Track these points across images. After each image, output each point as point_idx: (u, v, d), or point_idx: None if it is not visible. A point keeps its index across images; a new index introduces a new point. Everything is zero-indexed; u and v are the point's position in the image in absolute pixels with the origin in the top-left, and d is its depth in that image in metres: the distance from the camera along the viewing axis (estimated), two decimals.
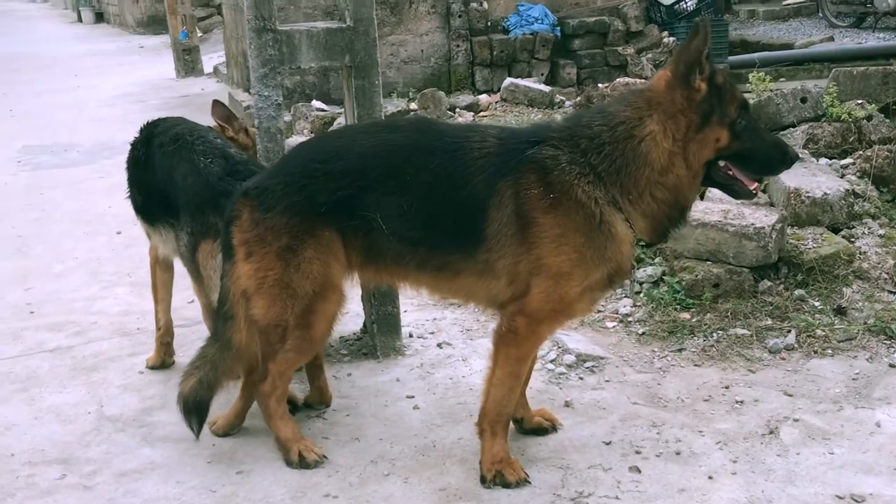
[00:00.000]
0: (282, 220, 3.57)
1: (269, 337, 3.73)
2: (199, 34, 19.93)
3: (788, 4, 18.08)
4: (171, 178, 4.25)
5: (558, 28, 12.37)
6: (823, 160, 5.94)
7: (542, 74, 12.12)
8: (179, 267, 4.55)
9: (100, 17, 32.72)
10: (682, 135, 3.36)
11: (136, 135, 4.64)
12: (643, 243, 4.19)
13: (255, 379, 3.91)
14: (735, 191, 3.56)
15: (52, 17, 37.68)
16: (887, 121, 6.15)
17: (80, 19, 33.85)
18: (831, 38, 14.25)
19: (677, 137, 3.36)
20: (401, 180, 3.51)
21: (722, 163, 3.45)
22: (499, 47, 12.07)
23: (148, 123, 4.64)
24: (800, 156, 3.64)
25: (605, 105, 3.65)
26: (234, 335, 3.80)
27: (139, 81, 16.38)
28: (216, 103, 4.84)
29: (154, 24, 25.72)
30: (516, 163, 3.43)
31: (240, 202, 3.67)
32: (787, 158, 3.52)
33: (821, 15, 16.64)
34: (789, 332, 4.70)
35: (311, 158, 3.66)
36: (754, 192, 3.55)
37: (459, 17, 12.08)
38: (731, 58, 12.65)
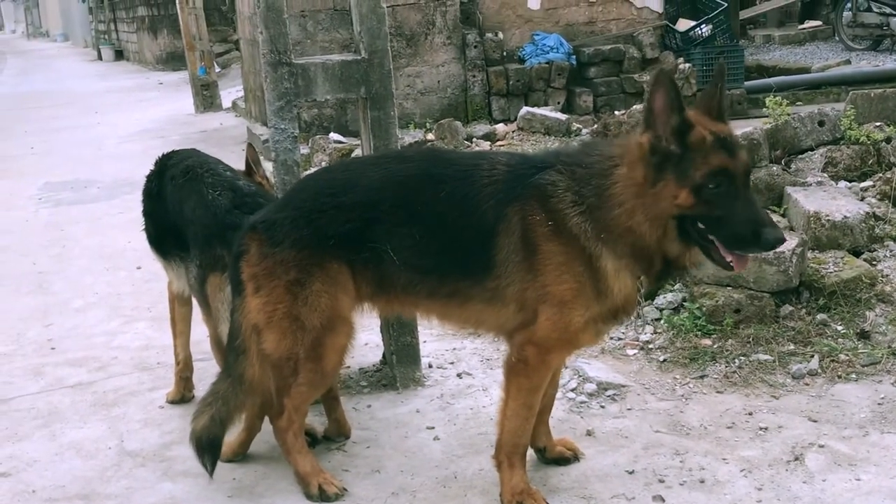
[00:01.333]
0: (290, 254, 3.57)
1: (281, 371, 3.73)
2: (218, 69, 20.10)
3: (804, 28, 18.08)
4: (181, 211, 4.27)
5: (574, 56, 12.39)
6: (843, 183, 5.91)
7: (559, 103, 12.13)
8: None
9: (119, 55, 33.04)
10: (640, 184, 3.23)
11: (152, 167, 4.67)
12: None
13: (271, 414, 3.90)
14: (711, 256, 3.31)
15: (73, 56, 38.08)
16: None
17: (100, 57, 34.18)
18: (848, 62, 14.24)
19: (637, 185, 3.24)
20: (411, 210, 3.51)
21: (701, 225, 3.24)
22: (514, 77, 12.09)
23: (162, 156, 4.68)
24: (783, 239, 3.24)
25: (611, 139, 3.61)
26: (246, 370, 3.79)
27: (158, 117, 16.50)
28: (249, 146, 4.86)
29: (173, 60, 25.95)
30: (522, 188, 3.41)
31: (248, 236, 3.67)
32: (759, 240, 3.17)
33: (837, 38, 16.61)
34: (812, 356, 4.65)
35: (320, 191, 3.66)
36: (730, 264, 3.25)
37: (475, 47, 12.13)
38: (747, 83, 12.64)
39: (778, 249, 4.72)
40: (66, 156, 13.17)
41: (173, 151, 4.72)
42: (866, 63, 14.07)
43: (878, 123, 6.21)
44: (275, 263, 3.60)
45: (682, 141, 3.16)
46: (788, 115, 6.21)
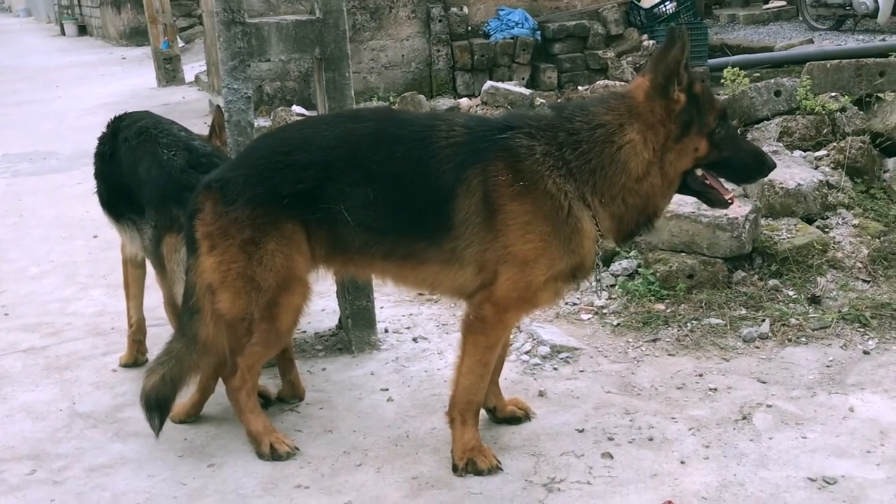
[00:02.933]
0: (244, 213, 3.55)
1: (235, 331, 3.72)
2: (181, 44, 19.92)
3: (769, 8, 18.18)
4: (136, 172, 4.23)
5: (539, 32, 12.41)
6: (798, 152, 5.96)
7: (523, 78, 12.14)
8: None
9: (83, 30, 32.62)
10: (661, 145, 3.36)
11: (104, 129, 4.63)
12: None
13: (224, 374, 3.89)
14: (710, 199, 3.57)
15: (36, 31, 37.57)
16: (861, 113, 6.17)
17: (63, 32, 33.75)
18: (811, 41, 14.34)
19: (656, 148, 3.36)
20: (366, 170, 3.50)
21: (699, 172, 3.47)
22: (479, 52, 12.08)
23: (115, 118, 4.63)
24: (776, 163, 3.67)
25: (587, 103, 3.63)
26: (200, 329, 3.77)
27: (120, 91, 16.32)
28: (218, 109, 4.80)
29: (137, 35, 25.64)
30: (485, 150, 3.41)
31: (202, 195, 3.65)
32: (764, 167, 3.57)
33: (801, 18, 16.74)
34: (763, 321, 4.70)
35: (274, 150, 3.64)
36: (729, 200, 3.57)
37: (440, 21, 12.11)
38: (710, 61, 12.69)
39: (731, 215, 4.83)
40: (25, 129, 13.01)
41: (126, 113, 4.67)
42: (829, 42, 14.17)
43: (833, 94, 6.27)
44: (229, 222, 3.58)
45: (692, 93, 3.34)
46: (746, 85, 6.25)
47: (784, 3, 18.16)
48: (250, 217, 3.54)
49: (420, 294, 5.37)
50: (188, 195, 3.79)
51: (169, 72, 16.80)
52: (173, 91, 16.01)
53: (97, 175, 4.65)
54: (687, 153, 3.39)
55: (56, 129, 12.87)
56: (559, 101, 10.07)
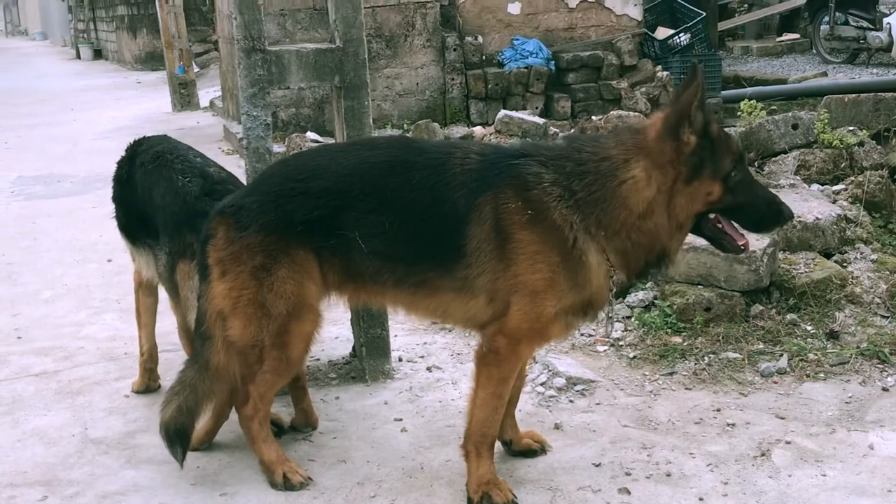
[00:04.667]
0: (257, 239, 3.53)
1: (246, 358, 3.69)
2: (196, 69, 20.03)
3: (782, 41, 18.22)
4: (151, 197, 4.24)
5: (553, 62, 12.42)
6: (815, 186, 5.93)
7: (537, 108, 12.15)
8: (164, 292, 4.51)
9: (98, 54, 32.86)
10: (669, 186, 3.29)
11: (122, 153, 4.64)
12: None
13: (236, 402, 3.86)
14: (723, 245, 3.47)
15: (52, 55, 37.85)
16: (879, 147, 6.15)
17: (78, 56, 33.99)
18: (825, 74, 14.34)
19: (662, 188, 3.29)
20: (380, 198, 3.48)
21: (712, 215, 3.40)
22: (493, 80, 12.11)
23: (133, 142, 4.64)
24: (793, 214, 3.57)
25: (600, 136, 3.62)
26: (212, 356, 3.75)
27: (135, 115, 16.40)
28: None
29: (152, 60, 25.82)
30: (496, 176, 3.40)
31: (215, 220, 3.64)
32: (780, 217, 3.44)
33: (814, 51, 16.76)
34: (781, 356, 4.66)
35: (288, 177, 3.63)
36: (743, 247, 3.47)
37: (454, 50, 12.14)
38: (724, 92, 12.71)
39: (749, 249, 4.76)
40: (40, 151, 13.07)
41: (144, 138, 4.68)
42: (843, 76, 14.18)
43: (851, 128, 6.25)
44: (241, 248, 3.57)
45: (708, 135, 3.26)
46: (763, 119, 6.24)
47: (798, 35, 18.20)
48: (262, 243, 3.53)
49: (434, 323, 5.34)
50: (202, 222, 3.77)
51: (184, 96, 16.88)
52: (188, 116, 16.08)
53: (115, 199, 4.65)
54: (698, 197, 3.31)
55: (70, 152, 12.92)
56: (572, 130, 10.08)
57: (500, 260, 3.37)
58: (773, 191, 5.56)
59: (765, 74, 15.09)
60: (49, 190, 10.38)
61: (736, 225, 3.44)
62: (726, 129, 3.47)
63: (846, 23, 15.74)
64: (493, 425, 3.61)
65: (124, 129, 14.82)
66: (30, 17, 54.37)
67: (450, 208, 3.41)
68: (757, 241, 4.96)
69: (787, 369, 4.57)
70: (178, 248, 4.04)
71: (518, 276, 3.36)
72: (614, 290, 3.46)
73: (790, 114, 6.32)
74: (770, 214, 3.41)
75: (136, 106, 18.00)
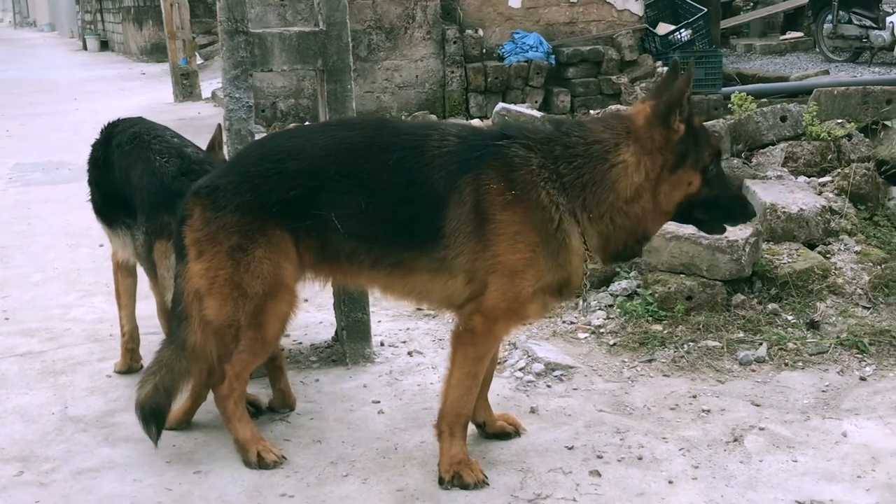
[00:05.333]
0: (232, 219, 3.55)
1: (222, 338, 3.71)
2: (200, 60, 20.05)
3: (786, 39, 18.18)
4: (128, 178, 4.25)
5: (553, 56, 12.45)
6: (802, 178, 5.93)
7: (536, 102, 12.17)
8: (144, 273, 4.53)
9: (105, 46, 32.87)
10: (656, 173, 3.36)
11: (97, 136, 4.65)
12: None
13: (213, 381, 3.88)
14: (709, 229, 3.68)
15: (59, 46, 37.87)
16: (867, 140, 6.14)
17: (85, 47, 34.00)
18: (826, 72, 14.30)
19: (650, 174, 3.36)
20: (356, 178, 3.50)
21: (696, 206, 3.49)
22: (493, 74, 12.14)
23: (108, 124, 4.65)
24: (756, 213, 3.84)
25: (587, 120, 3.67)
26: (189, 336, 3.77)
27: (137, 105, 16.39)
28: (219, 127, 4.80)
29: (157, 51, 25.79)
30: (478, 158, 3.41)
31: (191, 201, 3.66)
32: (746, 213, 3.59)
33: (817, 50, 16.73)
34: (761, 344, 4.67)
35: (264, 157, 3.64)
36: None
37: (454, 43, 12.17)
38: (724, 89, 12.69)
39: (731, 238, 4.80)
40: (40, 139, 13.10)
41: (119, 119, 4.69)
42: (844, 74, 14.15)
43: (839, 120, 6.24)
44: (217, 228, 3.58)
45: (691, 126, 3.34)
46: (752, 110, 6.24)
47: (801, 34, 18.16)
48: (238, 223, 3.54)
49: (419, 309, 5.36)
50: (179, 201, 3.78)
51: (186, 87, 16.90)
52: (189, 106, 16.10)
53: (90, 181, 4.67)
54: (681, 185, 3.39)
55: (70, 140, 12.91)
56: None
57: (479, 240, 3.39)
58: (761, 182, 5.61)
59: (767, 72, 15.05)
60: (47, 177, 10.41)
61: None
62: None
63: (849, 21, 15.70)
64: (467, 405, 3.63)
65: None
66: (38, 8, 54.44)
67: (428, 190, 3.43)
68: (739, 231, 4.98)
69: (766, 358, 4.58)
70: (155, 228, 4.06)
71: (497, 257, 3.38)
72: (587, 272, 3.51)
73: (779, 106, 6.31)
74: (739, 209, 3.54)
75: (138, 96, 18.01)
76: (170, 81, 17.66)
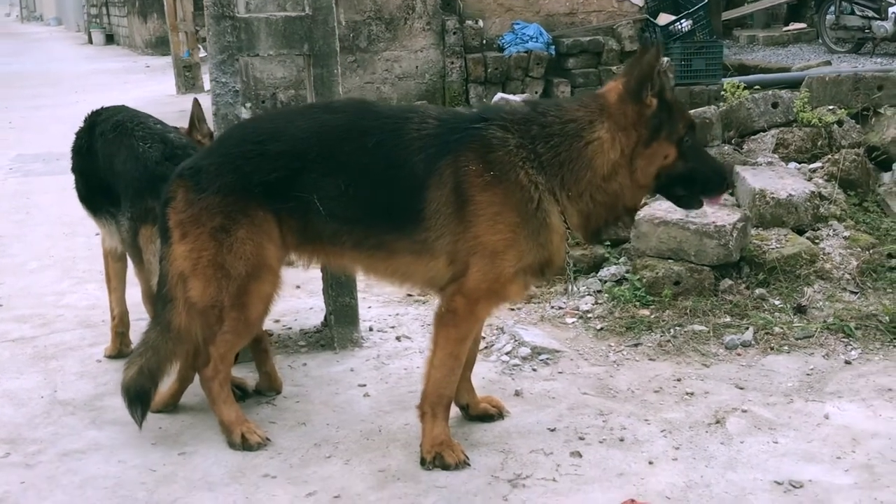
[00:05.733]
0: (215, 201, 3.57)
1: (206, 319, 3.74)
2: (203, 52, 20.04)
3: (789, 30, 18.13)
4: (112, 165, 4.28)
5: (553, 47, 12.39)
6: (793, 164, 5.92)
7: (536, 92, 12.12)
8: None
9: (110, 39, 32.94)
10: (631, 148, 3.38)
11: (81, 124, 4.68)
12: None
13: (198, 363, 3.91)
14: (687, 204, 3.66)
15: (65, 39, 37.97)
16: (858, 126, 6.13)
17: (90, 41, 34.08)
18: (828, 63, 14.26)
19: (625, 150, 3.38)
20: (338, 160, 3.52)
21: (673, 179, 3.50)
22: (493, 65, 12.10)
23: (92, 112, 4.70)
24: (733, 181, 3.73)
25: (563, 100, 3.69)
26: (174, 318, 3.79)
27: (140, 97, 16.41)
28: (195, 102, 4.83)
29: (162, 45, 25.79)
30: (458, 140, 3.44)
31: (175, 183, 3.69)
32: (724, 182, 3.61)
33: (820, 41, 16.67)
34: (747, 329, 4.68)
35: (246, 139, 3.68)
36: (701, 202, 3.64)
37: (454, 34, 12.13)
38: (724, 79, 12.64)
39: (718, 223, 4.81)
40: (42, 131, 13.13)
41: (102, 108, 4.74)
42: (846, 65, 14.10)
43: (830, 107, 6.23)
44: (200, 210, 3.61)
45: (663, 100, 3.36)
46: (744, 96, 6.24)
47: (804, 25, 18.11)
48: (221, 205, 3.57)
49: (409, 295, 5.39)
50: (163, 186, 3.81)
51: (188, 79, 16.95)
52: (191, 98, 16.13)
53: (74, 169, 4.71)
54: (656, 158, 3.41)
55: (71, 131, 12.90)
56: None
57: (460, 222, 3.42)
58: (751, 168, 5.61)
59: (769, 63, 15.01)
60: (47, 167, 10.44)
61: None
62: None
63: (852, 12, 15.65)
64: (449, 386, 3.65)
65: None
66: (45, 2, 54.56)
67: (408, 172, 3.45)
68: (727, 216, 5.00)
69: (752, 342, 4.59)
70: (139, 213, 4.09)
71: (478, 238, 3.40)
72: (569, 251, 3.52)
73: (770, 92, 6.30)
74: (716, 179, 3.53)
75: (141, 89, 18.05)
76: (173, 74, 17.70)
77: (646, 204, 4.93)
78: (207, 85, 17.01)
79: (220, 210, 3.58)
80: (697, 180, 3.49)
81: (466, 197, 3.39)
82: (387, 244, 3.58)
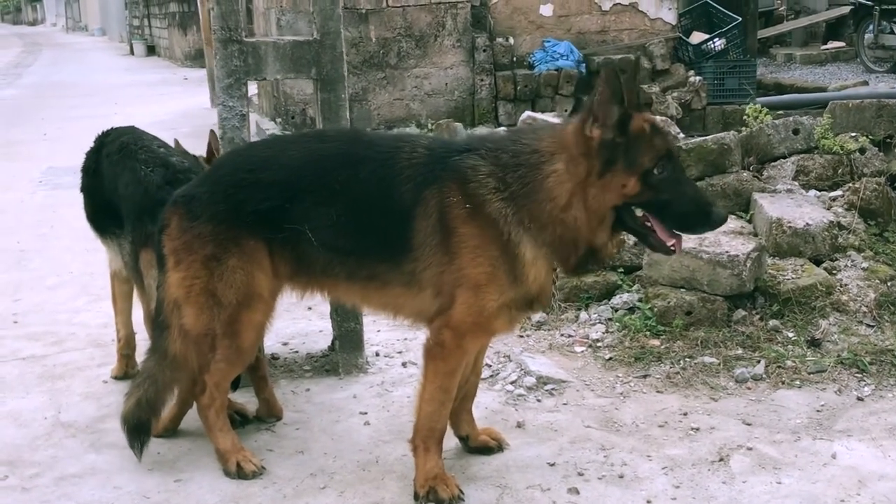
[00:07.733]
0: (207, 229, 3.56)
1: (200, 347, 3.73)
2: None
3: (827, 49, 17.94)
4: (116, 187, 4.30)
5: (584, 65, 12.34)
6: (813, 192, 5.81)
7: (566, 110, 12.06)
8: None
9: (151, 50, 33.30)
10: (583, 179, 3.25)
11: (91, 144, 4.70)
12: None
13: (195, 391, 3.89)
14: (650, 243, 3.38)
15: (106, 50, 38.43)
16: (881, 154, 6.01)
17: (132, 52, 34.49)
18: (865, 83, 14.07)
19: (577, 180, 3.26)
20: (330, 190, 3.49)
21: (638, 212, 3.33)
22: (523, 82, 12.07)
23: (101, 133, 4.71)
24: (725, 218, 3.39)
25: (537, 126, 3.61)
26: (170, 345, 3.79)
27: (174, 110, 16.59)
28: (212, 133, 4.80)
29: (201, 57, 25.87)
30: (441, 170, 3.40)
31: (170, 210, 3.68)
32: (708, 220, 3.31)
33: (858, 60, 16.48)
34: (758, 362, 4.58)
35: (239, 168, 3.66)
36: (672, 248, 3.34)
37: (484, 51, 12.11)
38: (759, 99, 12.52)
39: (732, 253, 4.72)
40: (76, 143, 13.04)
41: (111, 128, 4.75)
42: (884, 85, 13.91)
43: (853, 134, 6.11)
44: (193, 238, 3.60)
45: (625, 130, 3.21)
46: (764, 122, 6.14)
47: (843, 44, 17.90)
48: (213, 233, 3.56)
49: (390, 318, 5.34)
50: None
51: None
52: None
53: (83, 189, 4.72)
54: (612, 189, 3.24)
55: None
56: None
57: (444, 254, 3.37)
58: (769, 196, 5.51)
59: (805, 82, 14.87)
60: (77, 181, 10.48)
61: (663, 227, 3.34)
62: (659, 128, 3.37)
63: (891, 31, 15.47)
64: (440, 419, 3.60)
65: (161, 123, 14.96)
66: (90, 13, 55.25)
67: (397, 202, 3.41)
68: (741, 246, 4.90)
69: (763, 375, 4.49)
70: (140, 237, 4.09)
71: (462, 270, 3.35)
72: (556, 283, 3.45)
73: (791, 118, 6.18)
74: (697, 215, 3.29)
75: (177, 101, 18.20)
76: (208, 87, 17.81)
77: (618, 251, 4.75)
78: None
79: (212, 238, 3.57)
80: (673, 213, 3.29)
81: (450, 228, 3.35)
82: (379, 275, 3.54)
